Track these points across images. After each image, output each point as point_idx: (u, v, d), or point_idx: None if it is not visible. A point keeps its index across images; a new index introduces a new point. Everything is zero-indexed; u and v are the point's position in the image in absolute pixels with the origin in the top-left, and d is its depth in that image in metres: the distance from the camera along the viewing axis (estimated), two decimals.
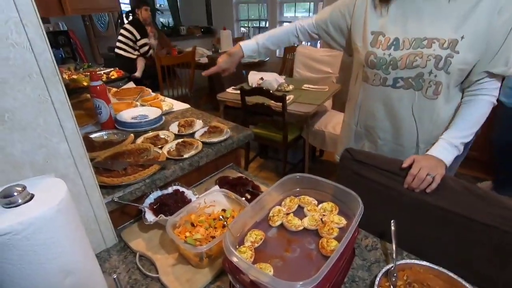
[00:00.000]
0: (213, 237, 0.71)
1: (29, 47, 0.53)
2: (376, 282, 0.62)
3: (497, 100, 0.92)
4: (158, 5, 6.06)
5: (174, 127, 1.21)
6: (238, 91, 2.29)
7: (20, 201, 0.43)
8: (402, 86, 0.95)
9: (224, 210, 0.80)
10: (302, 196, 0.76)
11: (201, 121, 1.25)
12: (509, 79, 1.81)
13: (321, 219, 0.69)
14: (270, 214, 0.71)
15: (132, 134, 1.11)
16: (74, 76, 2.04)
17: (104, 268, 0.73)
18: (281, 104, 2.10)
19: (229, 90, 2.63)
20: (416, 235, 0.84)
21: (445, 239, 0.84)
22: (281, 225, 0.69)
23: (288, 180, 0.76)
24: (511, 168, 2.08)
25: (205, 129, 1.17)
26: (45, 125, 0.59)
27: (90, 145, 1.03)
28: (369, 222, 0.74)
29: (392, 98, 0.98)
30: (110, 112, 1.19)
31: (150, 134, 1.14)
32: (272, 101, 2.17)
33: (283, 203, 0.75)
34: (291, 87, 2.58)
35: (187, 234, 0.72)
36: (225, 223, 0.74)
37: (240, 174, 1.09)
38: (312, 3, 4.38)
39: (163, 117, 1.30)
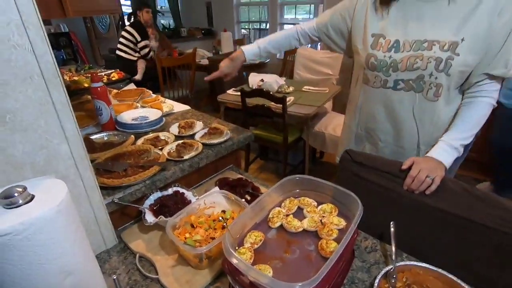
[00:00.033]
0: (213, 238, 0.72)
1: (30, 49, 0.54)
2: (376, 284, 0.62)
3: (497, 101, 0.92)
4: (159, 7, 6.09)
5: (174, 129, 1.21)
6: (239, 93, 2.30)
7: (20, 201, 0.44)
8: (402, 88, 0.95)
9: (224, 212, 0.81)
10: (302, 198, 0.76)
11: (201, 122, 1.25)
12: (508, 81, 1.81)
13: (321, 220, 0.69)
14: (270, 216, 0.71)
15: (132, 136, 1.11)
16: (75, 78, 2.04)
17: (104, 269, 0.73)
18: (281, 105, 2.10)
19: (230, 91, 2.64)
20: (415, 236, 0.84)
21: (444, 241, 0.84)
22: (281, 226, 0.69)
23: (287, 182, 0.77)
24: (511, 169, 2.07)
25: (205, 130, 1.17)
26: (46, 126, 0.59)
27: (91, 146, 1.03)
28: (369, 223, 0.74)
29: (392, 100, 0.98)
30: (110, 114, 1.20)
31: (151, 135, 1.15)
32: (273, 103, 2.17)
33: (282, 204, 0.75)
34: (291, 88, 2.59)
35: (187, 235, 0.72)
36: (224, 224, 0.74)
37: (240, 176, 1.09)
38: (312, 5, 4.39)
39: (164, 119, 1.31)
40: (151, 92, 1.74)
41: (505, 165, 2.09)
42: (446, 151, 0.90)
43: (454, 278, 0.62)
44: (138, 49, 3.43)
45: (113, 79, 2.26)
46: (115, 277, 0.62)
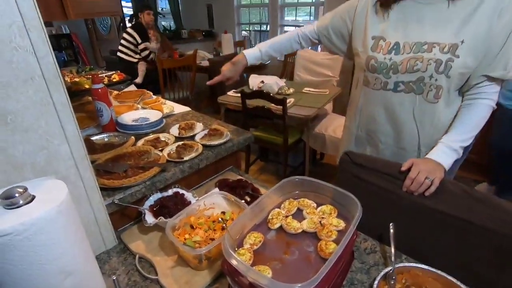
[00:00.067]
0: (212, 239, 0.72)
1: (32, 51, 0.54)
2: (375, 285, 0.62)
3: (497, 103, 0.92)
4: (160, 9, 6.11)
5: (174, 130, 1.21)
6: (239, 94, 2.30)
7: (21, 202, 0.44)
8: (403, 90, 0.95)
9: (223, 213, 0.81)
10: (302, 199, 0.77)
11: (201, 124, 1.26)
12: (508, 82, 1.81)
13: (320, 222, 0.69)
14: (269, 217, 0.71)
15: (133, 137, 1.12)
16: (76, 79, 2.05)
17: (103, 269, 0.73)
18: (281, 107, 2.11)
19: (230, 93, 2.65)
20: (415, 238, 0.84)
21: (444, 242, 0.84)
22: (280, 227, 0.69)
23: (287, 183, 0.77)
24: (511, 171, 2.07)
25: (206, 131, 1.17)
26: (46, 127, 0.60)
27: (91, 147, 1.03)
28: (369, 225, 0.74)
29: (393, 102, 0.98)
30: (111, 115, 1.20)
31: (151, 136, 1.15)
32: (273, 104, 2.18)
33: (282, 205, 0.75)
34: (291, 90, 2.59)
35: (187, 236, 0.73)
36: (224, 225, 0.74)
37: (240, 177, 1.09)
38: (313, 7, 4.41)
39: (164, 120, 1.31)
40: (151, 93, 1.74)
41: (505, 167, 2.09)
42: (445, 153, 0.91)
43: (454, 280, 0.62)
44: (138, 51, 3.44)
45: (114, 80, 2.27)
46: (114, 278, 0.62)
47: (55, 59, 0.58)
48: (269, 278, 0.53)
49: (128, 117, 1.29)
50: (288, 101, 2.22)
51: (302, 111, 2.22)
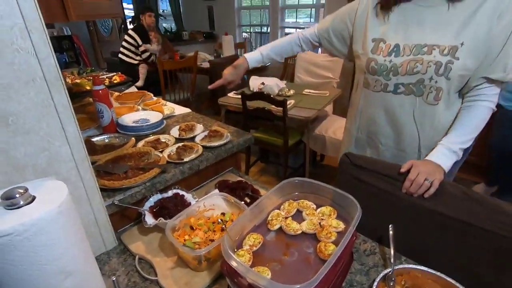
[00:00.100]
0: (212, 241, 0.72)
1: (33, 53, 0.55)
2: (374, 287, 0.62)
3: (497, 104, 0.92)
4: (161, 11, 6.14)
5: (175, 131, 1.22)
6: (240, 96, 2.31)
7: (21, 203, 0.44)
8: (403, 92, 0.96)
9: (223, 214, 0.81)
10: (301, 200, 0.77)
11: (201, 125, 1.26)
12: (508, 83, 1.81)
13: (320, 223, 0.69)
14: (269, 218, 0.71)
15: (133, 138, 1.12)
16: (77, 80, 2.06)
17: (103, 270, 0.74)
18: (281, 108, 2.11)
19: (231, 94, 2.65)
20: (415, 240, 0.84)
21: (443, 244, 0.84)
22: (280, 228, 0.70)
23: (287, 184, 0.77)
24: (511, 173, 2.07)
25: (206, 133, 1.18)
26: (47, 128, 0.60)
27: (92, 149, 1.04)
28: (368, 226, 0.74)
29: (393, 104, 0.99)
30: (112, 116, 1.20)
31: (151, 138, 1.15)
32: (273, 106, 2.18)
33: (282, 207, 0.75)
34: (292, 92, 2.60)
35: (186, 237, 0.73)
36: (223, 226, 0.75)
37: (239, 178, 1.10)
38: (313, 9, 4.42)
39: (164, 121, 1.32)
40: (152, 95, 1.75)
41: (505, 168, 2.08)
42: (445, 155, 0.91)
43: (453, 282, 0.62)
44: (139, 53, 3.45)
45: (115, 82, 2.28)
46: (114, 279, 0.63)
47: (56, 61, 0.58)
48: (268, 279, 0.53)
49: (129, 119, 1.29)
50: (288, 102, 2.22)
51: (303, 112, 2.22)
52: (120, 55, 3.50)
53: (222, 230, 0.75)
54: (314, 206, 0.75)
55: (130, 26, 4.39)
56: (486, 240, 0.77)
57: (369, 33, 0.99)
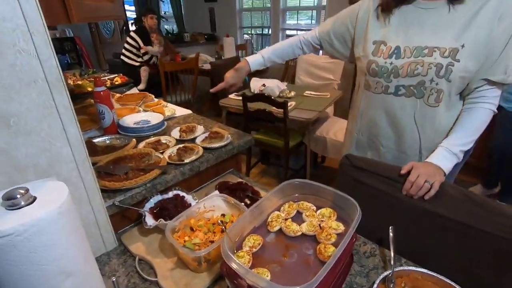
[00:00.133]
0: (212, 242, 0.72)
1: (35, 54, 0.55)
2: None
3: (498, 106, 0.92)
4: (163, 12, 6.16)
5: (175, 133, 1.22)
6: (240, 98, 2.32)
7: (22, 203, 0.44)
8: (404, 94, 0.96)
9: (223, 215, 0.81)
10: (301, 202, 0.77)
11: (202, 126, 1.26)
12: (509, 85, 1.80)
13: (319, 224, 0.69)
14: (269, 219, 0.72)
15: (134, 139, 1.12)
16: (79, 82, 2.07)
17: (103, 271, 0.74)
18: (282, 110, 2.12)
19: (232, 96, 2.66)
20: (415, 242, 0.84)
21: (444, 246, 0.84)
22: (280, 230, 0.70)
23: (287, 186, 0.77)
24: None
25: (206, 134, 1.18)
26: (49, 129, 0.61)
27: (93, 150, 1.04)
28: (368, 228, 0.74)
29: (394, 106, 0.99)
30: (113, 117, 1.21)
31: (152, 139, 1.16)
32: (274, 107, 2.19)
33: (282, 208, 0.75)
34: (292, 93, 2.60)
35: (186, 238, 0.73)
36: (223, 227, 0.75)
37: (240, 180, 1.10)
38: (314, 11, 4.43)
39: (165, 123, 1.32)
40: (153, 96, 1.75)
41: (506, 170, 2.08)
42: (445, 157, 0.91)
43: (453, 284, 0.62)
44: (141, 55, 3.47)
45: (116, 83, 2.29)
46: (114, 279, 0.63)
47: (58, 63, 0.58)
48: (268, 281, 0.53)
49: (130, 120, 1.29)
50: (289, 104, 2.23)
51: (303, 114, 2.22)
52: (122, 57, 3.52)
53: (222, 231, 0.75)
54: (314, 208, 0.75)
55: (132, 28, 4.41)
56: (486, 242, 0.77)
57: (370, 35, 0.99)
